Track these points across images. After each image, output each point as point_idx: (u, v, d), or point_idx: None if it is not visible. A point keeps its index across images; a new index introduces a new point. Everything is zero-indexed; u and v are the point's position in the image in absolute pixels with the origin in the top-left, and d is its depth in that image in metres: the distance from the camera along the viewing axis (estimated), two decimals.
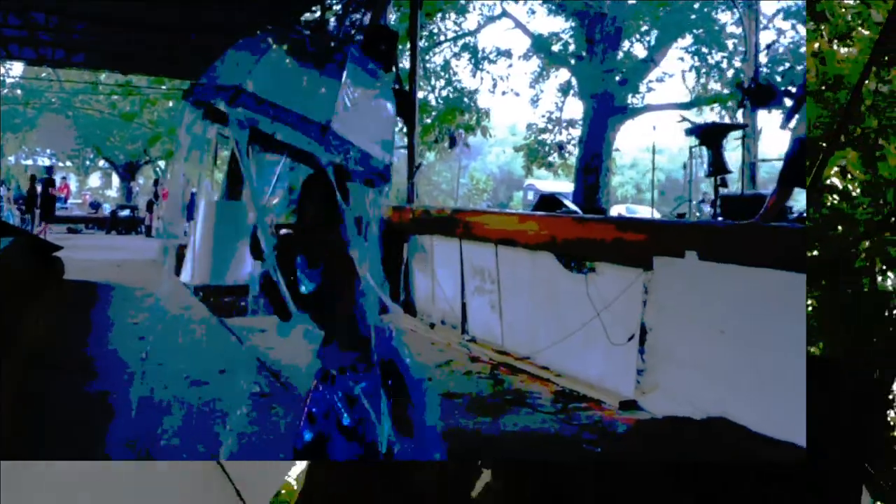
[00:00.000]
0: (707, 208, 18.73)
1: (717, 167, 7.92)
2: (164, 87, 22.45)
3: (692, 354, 5.02)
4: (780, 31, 18.08)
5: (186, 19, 12.11)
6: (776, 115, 11.81)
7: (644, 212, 30.82)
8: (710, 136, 8.07)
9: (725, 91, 19.11)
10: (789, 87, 7.00)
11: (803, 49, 16.06)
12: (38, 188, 19.96)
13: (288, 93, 2.61)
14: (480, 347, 7.34)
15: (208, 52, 13.94)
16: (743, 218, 6.98)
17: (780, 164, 6.12)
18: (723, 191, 8.05)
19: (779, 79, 17.02)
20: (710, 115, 19.80)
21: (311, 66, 2.79)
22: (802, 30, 17.61)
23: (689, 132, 8.43)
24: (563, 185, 25.92)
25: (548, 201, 8.50)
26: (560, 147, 22.25)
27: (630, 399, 5.71)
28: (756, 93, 6.53)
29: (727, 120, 18.10)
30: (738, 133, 8.65)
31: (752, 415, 4.55)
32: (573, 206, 8.14)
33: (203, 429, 4.58)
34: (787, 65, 16.74)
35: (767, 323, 4.48)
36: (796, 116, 6.25)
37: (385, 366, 2.86)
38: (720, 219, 7.68)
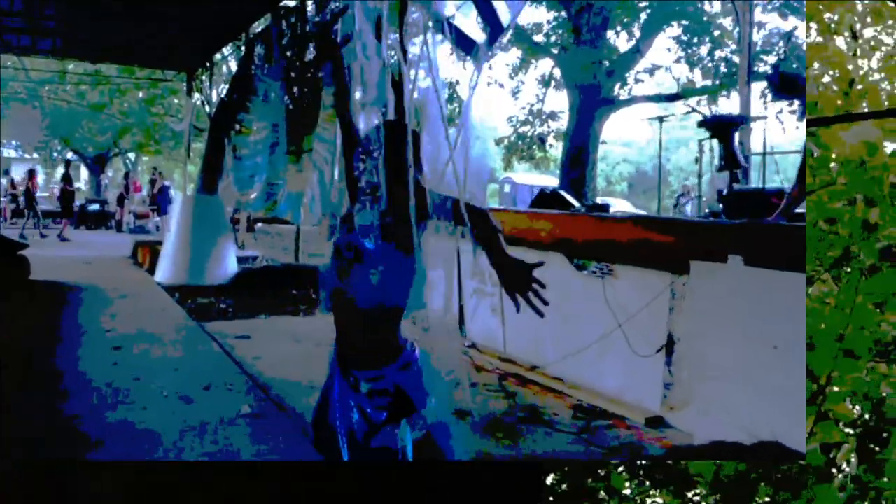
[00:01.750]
0: (685, 201, 18.54)
1: (730, 161, 7.47)
2: (134, 76, 21.67)
3: (736, 370, 4.52)
4: (777, 29, 17.80)
5: (160, 6, 11.47)
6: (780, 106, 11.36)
7: (618, 205, 30.60)
8: (722, 128, 7.62)
9: (711, 82, 18.81)
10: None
11: (800, 41, 15.82)
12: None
13: None
14: (483, 355, 6.83)
15: (183, 41, 13.40)
16: (745, 214, 6.60)
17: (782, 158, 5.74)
18: (735, 186, 7.60)
19: (769, 70, 16.78)
20: (695, 105, 19.45)
21: None
22: (794, 21, 17.42)
23: (701, 124, 7.97)
24: (541, 178, 25.56)
25: (548, 197, 7.97)
26: (541, 140, 21.83)
27: (657, 415, 5.23)
28: (781, 83, 6.10)
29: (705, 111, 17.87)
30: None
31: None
32: (577, 204, 7.63)
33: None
34: (782, 56, 16.39)
35: None
36: None
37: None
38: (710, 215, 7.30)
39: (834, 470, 4.92)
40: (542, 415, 5.29)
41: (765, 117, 7.90)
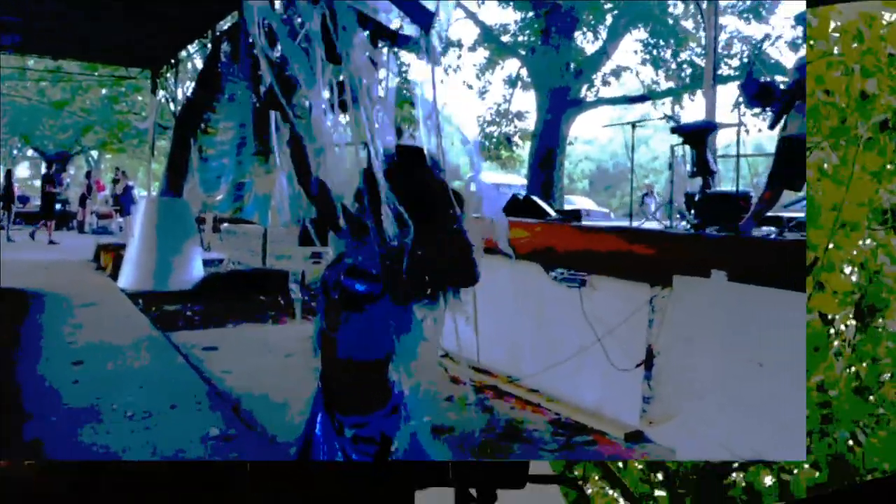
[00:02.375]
0: (649, 200, 18.62)
1: (701, 167, 7.42)
2: (96, 73, 21.25)
3: (720, 387, 4.44)
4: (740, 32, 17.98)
5: (125, 2, 11.18)
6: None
7: (581, 202, 30.71)
8: (695, 135, 7.55)
9: (676, 84, 18.93)
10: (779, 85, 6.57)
11: (767, 46, 15.97)
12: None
13: None
14: (457, 365, 6.69)
15: (147, 38, 13.08)
16: (715, 218, 6.57)
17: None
18: (707, 191, 7.54)
19: (734, 73, 16.93)
20: (663, 109, 19.53)
21: None
22: (759, 27, 17.64)
23: (674, 130, 7.89)
24: (507, 178, 25.50)
25: (521, 203, 7.85)
26: (508, 140, 21.80)
27: (636, 430, 5.14)
28: (755, 92, 6.07)
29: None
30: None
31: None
32: (551, 211, 7.52)
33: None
34: (746, 60, 16.52)
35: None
36: (792, 115, 5.87)
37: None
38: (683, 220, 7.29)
39: (832, 331, 4.90)
40: (521, 431, 5.17)
41: (736, 124, 7.83)
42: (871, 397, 5.05)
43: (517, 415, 5.54)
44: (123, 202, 19.43)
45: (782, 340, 4.09)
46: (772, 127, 6.11)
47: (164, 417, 4.88)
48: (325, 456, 2.30)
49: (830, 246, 4.60)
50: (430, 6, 2.25)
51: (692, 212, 7.35)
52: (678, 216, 7.59)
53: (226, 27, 13.30)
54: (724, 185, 8.45)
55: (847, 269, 5.20)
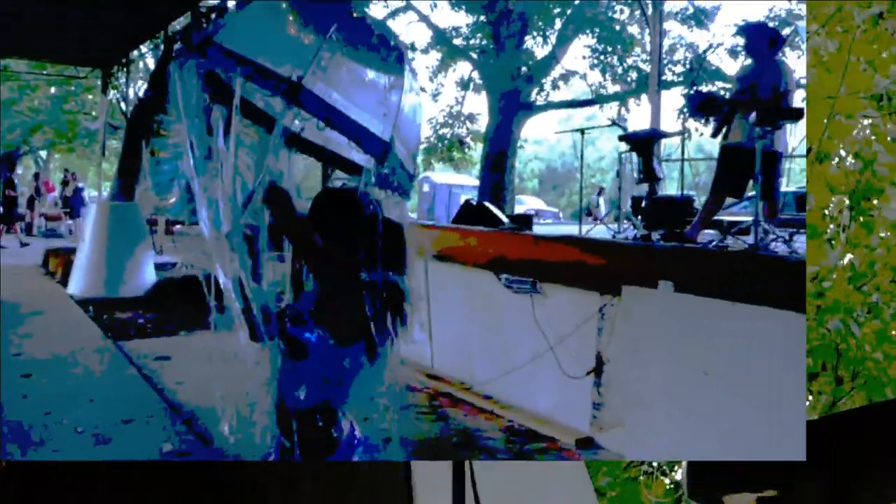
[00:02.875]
0: (596, 198, 19.00)
1: (648, 174, 7.61)
2: (45, 72, 20.84)
3: (667, 395, 4.55)
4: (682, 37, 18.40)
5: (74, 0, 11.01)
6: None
7: (531, 202, 30.96)
8: (642, 143, 7.75)
9: (622, 89, 19.29)
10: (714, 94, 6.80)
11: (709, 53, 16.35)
12: None
13: (346, 88, 2.12)
14: (411, 372, 6.74)
15: (98, 38, 12.86)
16: (661, 222, 6.73)
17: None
18: (653, 196, 7.72)
19: (678, 78, 17.34)
20: (609, 112, 19.89)
21: (370, 59, 2.23)
22: (701, 34, 18.09)
23: (622, 138, 8.10)
24: (459, 178, 25.61)
25: (474, 209, 7.93)
26: (461, 141, 21.98)
27: (588, 436, 5.24)
28: (700, 103, 6.26)
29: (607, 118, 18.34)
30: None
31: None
32: (504, 217, 7.61)
33: None
34: (689, 66, 16.90)
35: (763, 367, 4.02)
36: (734, 124, 6.04)
37: None
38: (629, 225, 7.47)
39: (830, 225, 5.01)
40: (476, 439, 5.24)
41: (681, 132, 8.04)
42: (865, 286, 5.14)
43: (471, 422, 5.60)
44: (73, 204, 19.13)
45: (727, 349, 4.21)
46: (714, 135, 6.30)
47: (116, 433, 4.83)
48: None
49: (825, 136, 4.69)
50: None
51: (639, 216, 7.53)
52: (626, 220, 7.76)
53: (178, 28, 13.15)
54: (670, 187, 8.67)
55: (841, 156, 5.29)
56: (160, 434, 4.83)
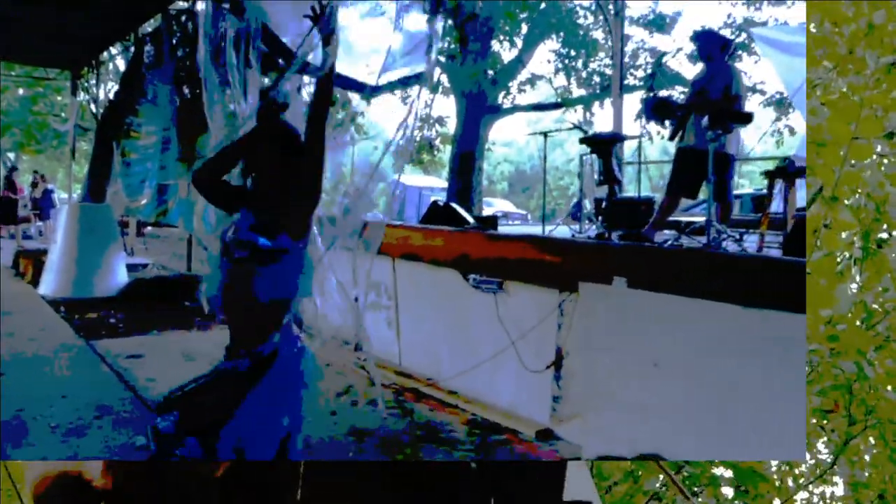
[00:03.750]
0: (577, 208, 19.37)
1: (608, 176, 7.85)
2: (13, 73, 20.70)
3: (621, 386, 4.77)
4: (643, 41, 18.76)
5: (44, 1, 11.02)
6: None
7: (500, 205, 31.22)
8: (602, 145, 7.98)
9: (587, 92, 19.60)
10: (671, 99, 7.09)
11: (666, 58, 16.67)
12: None
13: None
14: (378, 369, 6.90)
15: (67, 39, 12.83)
16: (621, 222, 6.97)
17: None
18: (613, 197, 7.96)
19: (639, 83, 17.68)
20: (575, 115, 20.16)
21: None
22: (661, 38, 18.47)
23: (582, 140, 8.32)
24: (428, 180, 25.82)
25: (441, 210, 8.11)
26: (430, 144, 22.18)
27: (546, 428, 5.45)
28: (654, 106, 6.52)
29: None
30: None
31: (690, 453, 4.35)
32: (470, 218, 7.80)
33: None
34: (649, 71, 17.21)
35: (708, 358, 4.25)
36: (689, 127, 6.28)
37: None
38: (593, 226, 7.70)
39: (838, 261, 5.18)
40: (439, 432, 5.42)
41: (640, 136, 8.30)
42: (879, 328, 5.30)
43: (436, 416, 5.78)
44: (43, 206, 19.03)
45: (677, 342, 4.44)
46: (671, 138, 6.56)
47: (90, 428, 4.96)
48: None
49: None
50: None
51: (600, 217, 7.77)
52: (588, 221, 8.00)
53: (149, 30, 13.19)
54: (631, 188, 8.91)
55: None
56: (134, 428, 4.96)
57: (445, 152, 22.06)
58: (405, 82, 6.22)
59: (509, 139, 43.51)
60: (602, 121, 19.96)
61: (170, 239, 15.01)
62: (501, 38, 19.07)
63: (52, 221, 17.35)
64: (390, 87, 6.47)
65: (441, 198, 17.05)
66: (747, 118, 6.06)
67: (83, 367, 6.58)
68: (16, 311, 8.96)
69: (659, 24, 18.05)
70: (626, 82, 14.15)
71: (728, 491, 5.53)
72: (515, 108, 20.17)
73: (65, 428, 4.91)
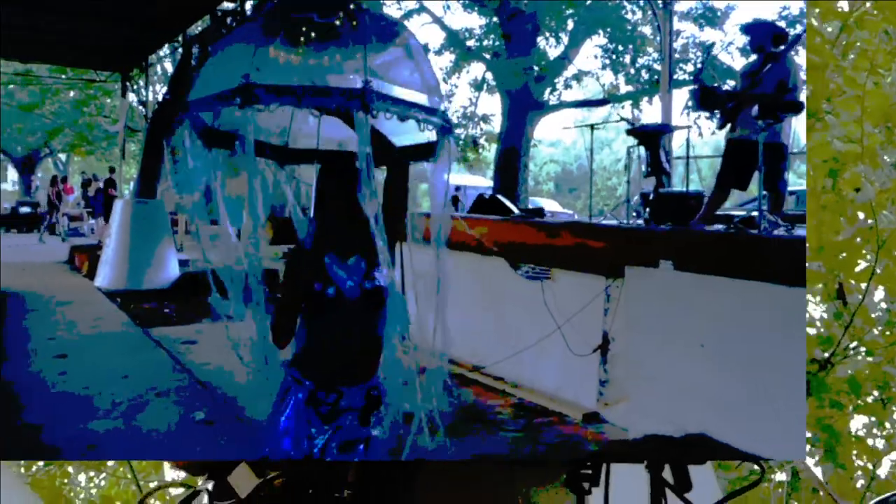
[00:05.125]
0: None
1: (656, 167, 7.81)
2: (65, 76, 21.26)
3: (668, 368, 4.82)
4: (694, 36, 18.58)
5: (95, 5, 11.32)
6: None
7: (547, 205, 31.06)
8: (649, 136, 7.95)
9: (634, 88, 19.43)
10: (725, 89, 7.00)
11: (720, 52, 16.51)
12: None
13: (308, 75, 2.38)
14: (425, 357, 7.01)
15: (118, 42, 13.15)
16: (668, 216, 6.95)
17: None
18: (661, 190, 7.93)
19: (689, 77, 17.46)
20: (623, 112, 19.99)
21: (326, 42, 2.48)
22: (711, 33, 18.23)
23: (629, 132, 8.30)
24: (473, 179, 25.85)
25: (487, 202, 8.21)
26: (475, 142, 22.19)
27: (593, 411, 5.51)
28: (702, 96, 6.47)
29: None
30: None
31: (737, 434, 4.38)
32: (515, 209, 7.88)
33: None
34: (699, 66, 17.02)
35: (755, 338, 4.29)
36: (740, 119, 6.25)
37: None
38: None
39: None
40: (485, 414, 5.52)
41: (688, 126, 8.25)
42: None
43: (482, 400, 5.88)
44: (95, 205, 19.49)
45: (725, 324, 4.48)
46: (720, 128, 6.48)
47: (150, 404, 5.17)
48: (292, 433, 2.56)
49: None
50: None
51: (647, 210, 7.76)
52: (634, 214, 8.00)
53: (197, 31, 13.46)
54: (679, 185, 8.86)
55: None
56: (191, 406, 5.15)
57: (490, 150, 22.09)
58: None
59: (555, 139, 43.19)
60: (650, 117, 19.80)
61: (217, 237, 15.26)
62: (547, 34, 19.06)
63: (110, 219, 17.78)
64: None
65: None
66: (797, 107, 5.98)
67: (141, 351, 6.82)
68: (75, 301, 9.26)
69: (709, 18, 17.82)
70: (675, 77, 14.04)
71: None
72: (561, 105, 20.07)
73: (127, 404, 5.13)
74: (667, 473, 2.14)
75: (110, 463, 5.60)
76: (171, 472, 5.02)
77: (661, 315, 4.92)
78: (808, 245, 4.90)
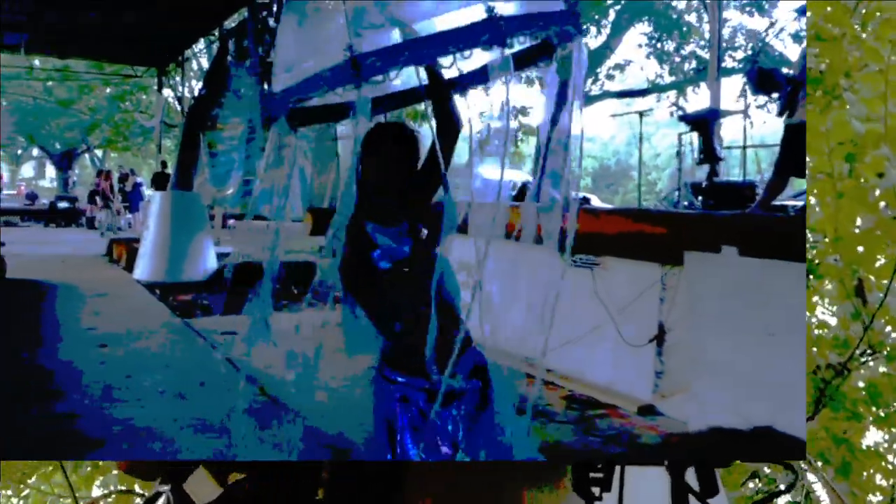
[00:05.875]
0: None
1: (709, 155, 7.58)
2: (103, 72, 21.40)
3: (732, 358, 4.58)
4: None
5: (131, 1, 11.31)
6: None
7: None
8: (702, 123, 7.72)
9: (677, 78, 19.07)
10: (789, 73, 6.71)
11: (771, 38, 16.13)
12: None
13: None
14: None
15: (153, 37, 13.17)
16: (721, 206, 6.71)
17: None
18: (714, 179, 7.71)
19: (738, 65, 17.09)
20: (667, 102, 19.67)
21: None
22: (760, 21, 17.80)
23: (681, 118, 8.09)
24: (511, 173, 25.64)
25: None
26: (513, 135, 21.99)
27: (648, 404, 5.30)
28: (759, 79, 6.22)
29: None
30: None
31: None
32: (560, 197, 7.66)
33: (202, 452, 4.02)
34: (749, 52, 16.67)
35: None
36: (799, 103, 6.00)
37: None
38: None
39: None
40: (535, 405, 5.31)
41: (741, 112, 8.00)
42: None
43: (531, 391, 5.68)
44: (132, 199, 19.61)
45: (794, 310, 4.24)
46: (780, 114, 6.23)
47: (193, 394, 5.06)
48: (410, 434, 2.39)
49: None
50: None
51: (699, 199, 7.52)
52: (686, 204, 7.76)
53: (232, 25, 13.43)
54: (731, 176, 8.62)
55: None
56: (234, 395, 5.01)
57: (528, 144, 21.89)
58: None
59: (593, 134, 42.55)
60: (696, 107, 19.44)
61: (249, 231, 15.27)
62: (587, 24, 18.79)
63: (141, 213, 17.88)
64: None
65: None
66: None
67: (181, 341, 6.73)
68: (114, 293, 9.22)
69: (758, 4, 17.46)
70: (723, 65, 13.76)
71: None
72: (604, 95, 19.81)
73: (170, 393, 5.01)
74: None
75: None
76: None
77: (726, 303, 4.68)
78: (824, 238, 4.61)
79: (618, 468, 2.06)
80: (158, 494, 2.02)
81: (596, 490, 2.02)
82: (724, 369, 4.65)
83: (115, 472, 4.84)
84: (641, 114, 8.39)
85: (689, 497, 1.98)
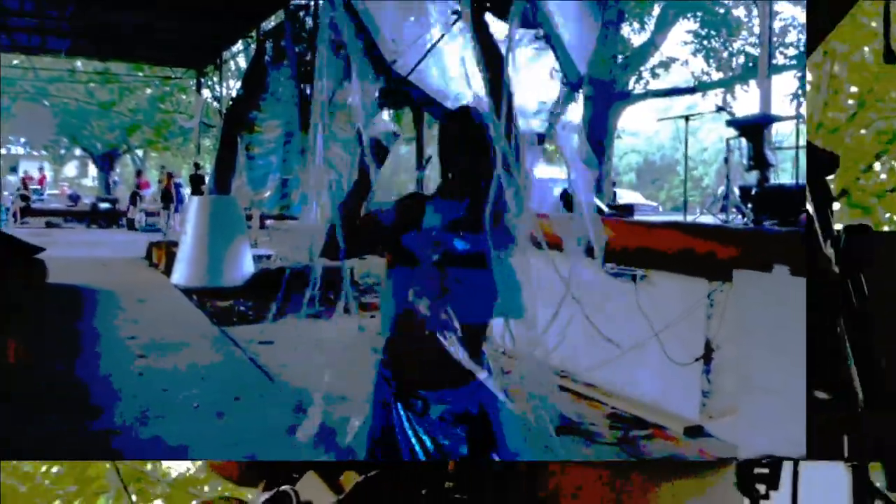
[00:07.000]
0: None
1: (759, 161, 7.35)
2: (142, 74, 21.63)
3: (783, 380, 4.40)
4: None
5: (171, 3, 11.33)
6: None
7: (628, 196, 30.40)
8: (752, 128, 7.49)
9: (725, 75, 18.66)
10: None
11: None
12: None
13: None
14: (512, 360, 6.71)
15: (192, 39, 13.22)
16: (772, 212, 6.47)
17: None
18: (766, 185, 7.47)
19: (788, 62, 16.63)
20: (713, 100, 19.20)
21: None
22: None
23: (729, 123, 7.85)
24: (551, 171, 25.44)
25: (571, 199, 7.81)
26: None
27: (696, 424, 5.13)
28: None
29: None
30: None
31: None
32: (604, 206, 7.50)
33: None
34: (801, 49, 16.23)
35: None
36: None
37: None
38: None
39: None
40: (577, 424, 5.18)
41: (794, 116, 7.75)
42: None
43: (574, 409, 5.55)
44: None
45: None
46: None
47: (229, 408, 5.00)
48: (404, 446, 2.15)
49: None
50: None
51: (749, 206, 7.28)
52: (735, 210, 7.52)
53: (270, 27, 13.44)
54: (782, 178, 8.38)
55: None
56: (270, 409, 4.95)
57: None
58: None
59: (636, 129, 41.76)
60: (744, 105, 19.01)
61: (291, 231, 15.27)
62: (632, 20, 18.46)
63: (181, 214, 18.00)
64: None
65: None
66: None
67: (218, 351, 6.69)
68: (152, 299, 9.23)
69: None
70: (773, 62, 13.37)
71: None
72: (648, 94, 19.42)
73: (206, 408, 4.95)
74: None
75: None
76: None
77: (776, 322, 4.50)
78: None
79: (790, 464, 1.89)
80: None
81: (761, 487, 1.85)
82: (775, 391, 4.47)
83: None
84: (687, 118, 8.17)
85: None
